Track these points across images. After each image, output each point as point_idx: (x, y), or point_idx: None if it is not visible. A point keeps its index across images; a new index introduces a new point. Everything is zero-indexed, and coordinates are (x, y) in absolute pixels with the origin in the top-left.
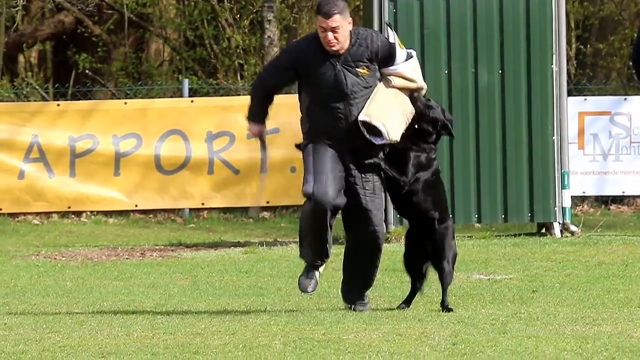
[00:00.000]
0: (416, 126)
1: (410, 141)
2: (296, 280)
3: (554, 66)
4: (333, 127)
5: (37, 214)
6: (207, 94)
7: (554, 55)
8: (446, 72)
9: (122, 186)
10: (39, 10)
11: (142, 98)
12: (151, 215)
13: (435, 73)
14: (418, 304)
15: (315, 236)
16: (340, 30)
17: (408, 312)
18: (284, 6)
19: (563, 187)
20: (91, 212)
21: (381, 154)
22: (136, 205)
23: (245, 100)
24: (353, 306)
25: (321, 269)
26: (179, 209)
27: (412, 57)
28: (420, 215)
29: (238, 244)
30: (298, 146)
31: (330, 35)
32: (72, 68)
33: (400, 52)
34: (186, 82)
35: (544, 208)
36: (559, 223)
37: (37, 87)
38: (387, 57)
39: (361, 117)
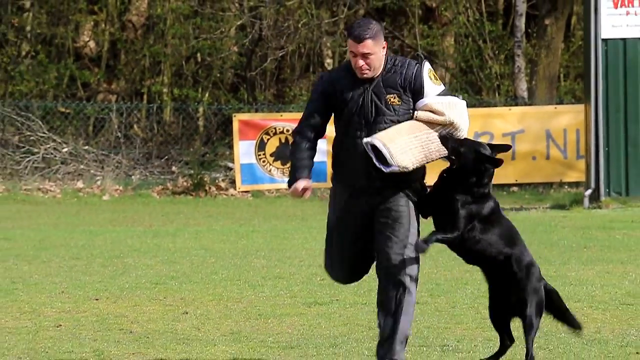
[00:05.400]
0: (454, 166)
1: (455, 189)
2: None
3: None
4: (354, 161)
5: None
6: (473, 106)
7: None
8: None
9: None
10: None
11: None
12: None
13: (634, 92)
14: None
15: None
16: (372, 56)
17: None
18: (528, 45)
19: None
20: None
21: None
22: None
23: (499, 111)
24: None
25: None
26: None
27: (450, 95)
28: (491, 261)
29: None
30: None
31: (360, 61)
32: None
33: (433, 86)
34: (460, 97)
35: None
36: None
37: None
38: (418, 88)
39: (364, 140)
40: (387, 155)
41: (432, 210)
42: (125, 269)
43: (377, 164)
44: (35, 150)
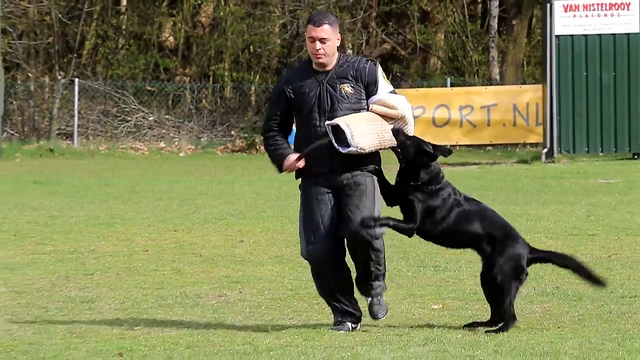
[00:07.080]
0: (400, 158)
1: (409, 189)
2: None
3: None
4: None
5: None
6: (459, 85)
7: None
8: (585, 74)
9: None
10: (373, 41)
11: (425, 88)
12: None
13: (579, 76)
14: None
15: (328, 297)
16: (329, 42)
17: None
18: (500, 40)
19: None
20: None
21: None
22: None
23: (478, 90)
24: (368, 298)
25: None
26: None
27: (399, 95)
28: (459, 244)
29: (475, 163)
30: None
31: (318, 44)
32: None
33: (385, 85)
34: (448, 79)
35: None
36: None
37: None
38: (371, 83)
39: (326, 122)
40: (349, 135)
41: (396, 202)
42: (196, 208)
43: (335, 145)
44: (129, 118)
